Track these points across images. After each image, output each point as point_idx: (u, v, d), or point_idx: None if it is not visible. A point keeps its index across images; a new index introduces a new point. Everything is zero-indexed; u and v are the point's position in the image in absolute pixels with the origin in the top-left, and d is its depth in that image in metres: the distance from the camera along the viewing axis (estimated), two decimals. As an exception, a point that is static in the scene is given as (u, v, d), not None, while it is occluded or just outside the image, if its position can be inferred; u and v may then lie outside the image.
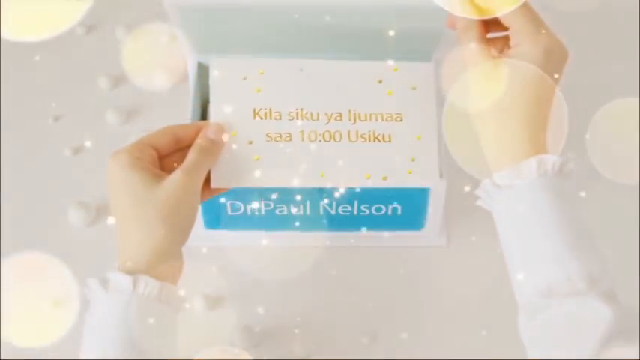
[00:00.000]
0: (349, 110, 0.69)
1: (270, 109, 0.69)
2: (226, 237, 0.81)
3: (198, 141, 0.67)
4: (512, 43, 0.63)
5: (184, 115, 0.77)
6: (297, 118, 0.69)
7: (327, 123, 0.69)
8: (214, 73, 0.69)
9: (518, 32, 0.62)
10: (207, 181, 0.67)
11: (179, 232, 0.63)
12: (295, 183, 0.68)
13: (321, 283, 0.78)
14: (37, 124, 0.91)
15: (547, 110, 0.62)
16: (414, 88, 0.70)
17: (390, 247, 0.82)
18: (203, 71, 0.78)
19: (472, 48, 0.63)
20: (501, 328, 0.77)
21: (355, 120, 0.69)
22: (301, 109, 0.69)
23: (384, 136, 0.69)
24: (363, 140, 0.69)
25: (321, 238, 0.75)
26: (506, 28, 0.63)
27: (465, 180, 0.82)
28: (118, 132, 0.90)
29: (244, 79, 0.69)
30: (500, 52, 0.64)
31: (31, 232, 0.83)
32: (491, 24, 0.65)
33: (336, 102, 0.70)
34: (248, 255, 0.80)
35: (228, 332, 0.76)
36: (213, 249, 0.78)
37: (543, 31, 0.62)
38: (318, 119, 0.69)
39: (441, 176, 0.72)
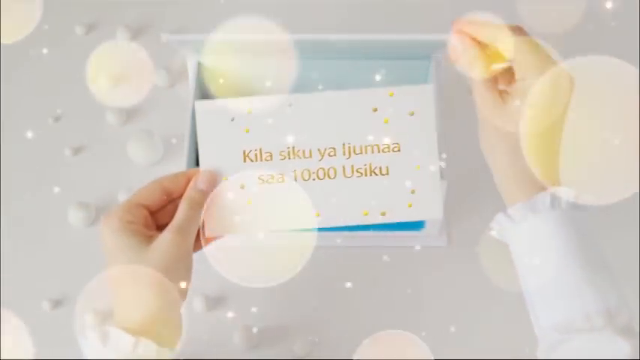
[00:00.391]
0: (343, 144, 0.67)
1: (260, 150, 0.67)
2: (226, 237, 0.81)
3: (189, 193, 0.65)
4: (517, 76, 0.61)
5: (184, 116, 0.77)
6: (289, 158, 0.67)
7: (321, 159, 0.67)
8: (200, 117, 0.67)
9: (522, 65, 0.61)
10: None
11: (175, 293, 0.63)
12: (290, 226, 0.67)
13: (321, 283, 0.78)
14: (37, 124, 0.91)
15: (558, 141, 0.62)
16: (412, 114, 0.67)
17: (390, 247, 0.82)
18: (203, 71, 0.79)
19: (479, 83, 0.63)
20: (502, 328, 0.77)
21: (350, 154, 0.67)
22: (293, 148, 0.67)
23: (381, 168, 0.67)
24: (359, 175, 0.67)
25: (321, 239, 0.75)
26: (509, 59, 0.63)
27: (466, 181, 0.82)
28: (118, 132, 0.90)
29: (232, 120, 0.67)
30: (508, 83, 0.63)
31: (31, 232, 0.83)
32: (494, 56, 0.63)
33: (328, 136, 0.67)
34: (248, 255, 0.80)
35: (228, 332, 0.76)
36: (213, 249, 0.78)
37: (547, 62, 0.60)
38: (310, 156, 0.67)
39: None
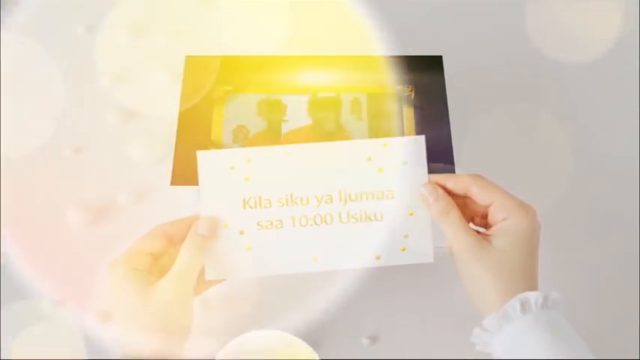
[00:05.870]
0: (339, 191, 0.69)
1: (259, 197, 0.69)
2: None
3: (190, 238, 0.67)
4: (499, 216, 0.66)
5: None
6: (287, 204, 0.69)
7: (318, 206, 0.69)
8: (202, 166, 0.69)
9: (503, 207, 0.65)
10: (202, 272, 0.68)
11: (177, 336, 0.65)
12: (288, 270, 0.69)
13: (321, 284, 0.78)
14: (37, 124, 0.91)
15: (537, 257, 0.66)
16: (405, 163, 0.69)
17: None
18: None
19: (456, 230, 0.66)
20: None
21: (346, 201, 0.69)
22: (291, 195, 0.69)
23: (375, 214, 0.69)
24: (355, 221, 0.69)
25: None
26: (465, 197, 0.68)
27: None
28: (118, 132, 0.90)
29: (232, 168, 0.69)
30: (472, 220, 0.68)
31: (31, 232, 0.83)
32: (466, 204, 0.68)
33: (325, 184, 0.69)
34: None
35: (228, 333, 0.76)
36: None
37: (520, 201, 0.66)
38: (308, 203, 0.69)
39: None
